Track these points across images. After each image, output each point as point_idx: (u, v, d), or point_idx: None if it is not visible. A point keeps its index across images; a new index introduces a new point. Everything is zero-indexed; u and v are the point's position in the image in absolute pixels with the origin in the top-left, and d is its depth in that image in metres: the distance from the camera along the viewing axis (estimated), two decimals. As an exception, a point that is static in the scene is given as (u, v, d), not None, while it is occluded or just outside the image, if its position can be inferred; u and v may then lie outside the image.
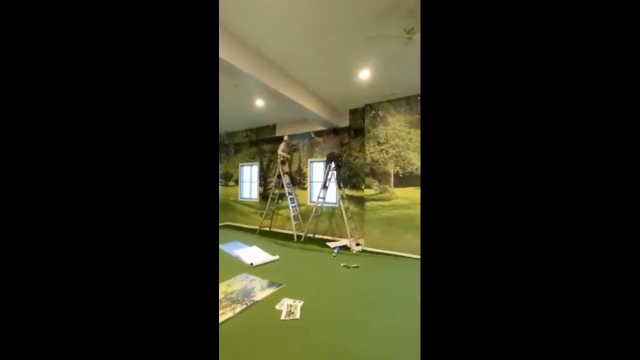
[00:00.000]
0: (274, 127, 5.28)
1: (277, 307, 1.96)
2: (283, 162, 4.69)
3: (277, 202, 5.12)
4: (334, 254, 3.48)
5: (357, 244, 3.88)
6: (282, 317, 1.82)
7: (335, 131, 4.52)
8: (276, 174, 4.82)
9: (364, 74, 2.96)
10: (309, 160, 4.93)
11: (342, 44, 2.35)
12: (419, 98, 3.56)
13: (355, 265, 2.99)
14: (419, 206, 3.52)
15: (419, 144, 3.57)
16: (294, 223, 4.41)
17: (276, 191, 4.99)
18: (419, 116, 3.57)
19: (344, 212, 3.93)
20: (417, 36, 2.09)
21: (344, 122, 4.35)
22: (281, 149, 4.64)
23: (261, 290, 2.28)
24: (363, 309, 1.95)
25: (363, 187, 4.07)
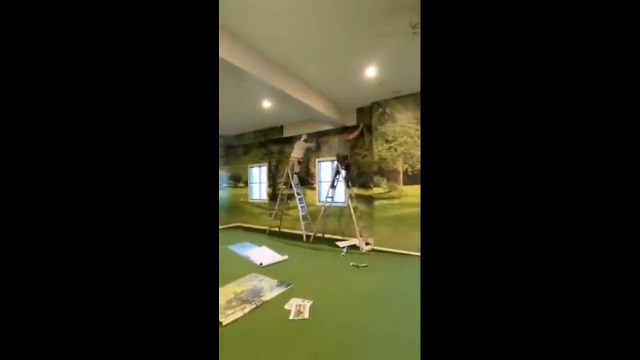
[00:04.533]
0: (281, 128, 5.31)
1: (286, 307, 1.97)
2: (300, 163, 4.68)
3: (286, 203, 5.15)
4: (343, 254, 3.46)
5: (367, 243, 3.84)
6: (291, 316, 1.82)
7: (345, 130, 4.49)
8: (285, 175, 4.85)
9: (370, 72, 2.92)
10: (317, 160, 4.93)
11: (347, 41, 2.33)
12: (427, 94, 3.47)
13: (364, 265, 2.96)
14: (430, 204, 3.44)
15: (428, 141, 3.49)
16: (302, 223, 4.42)
17: (285, 192, 5.01)
18: (428, 112, 3.48)
19: (352, 211, 3.90)
20: (423, 30, 2.04)
21: (351, 121, 4.32)
22: (299, 154, 4.58)
23: (270, 290, 2.29)
24: (372, 308, 1.92)
25: (372, 185, 4.02)
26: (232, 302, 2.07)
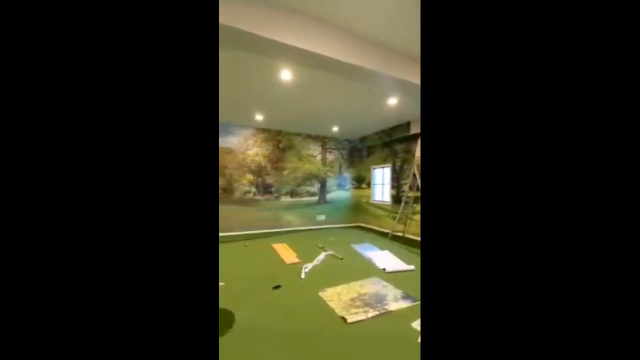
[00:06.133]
0: (408, 124, 4.92)
1: (414, 325, 1.71)
2: None
3: (412, 206, 4.69)
4: (491, 278, 2.66)
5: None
6: (420, 339, 1.55)
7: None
8: (411, 175, 4.43)
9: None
10: (452, 158, 4.14)
11: None
12: None
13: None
14: None
15: None
16: (432, 231, 3.84)
17: (410, 194, 4.58)
18: None
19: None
20: None
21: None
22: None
23: (395, 301, 2.09)
24: None
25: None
26: (355, 301, 2.05)
